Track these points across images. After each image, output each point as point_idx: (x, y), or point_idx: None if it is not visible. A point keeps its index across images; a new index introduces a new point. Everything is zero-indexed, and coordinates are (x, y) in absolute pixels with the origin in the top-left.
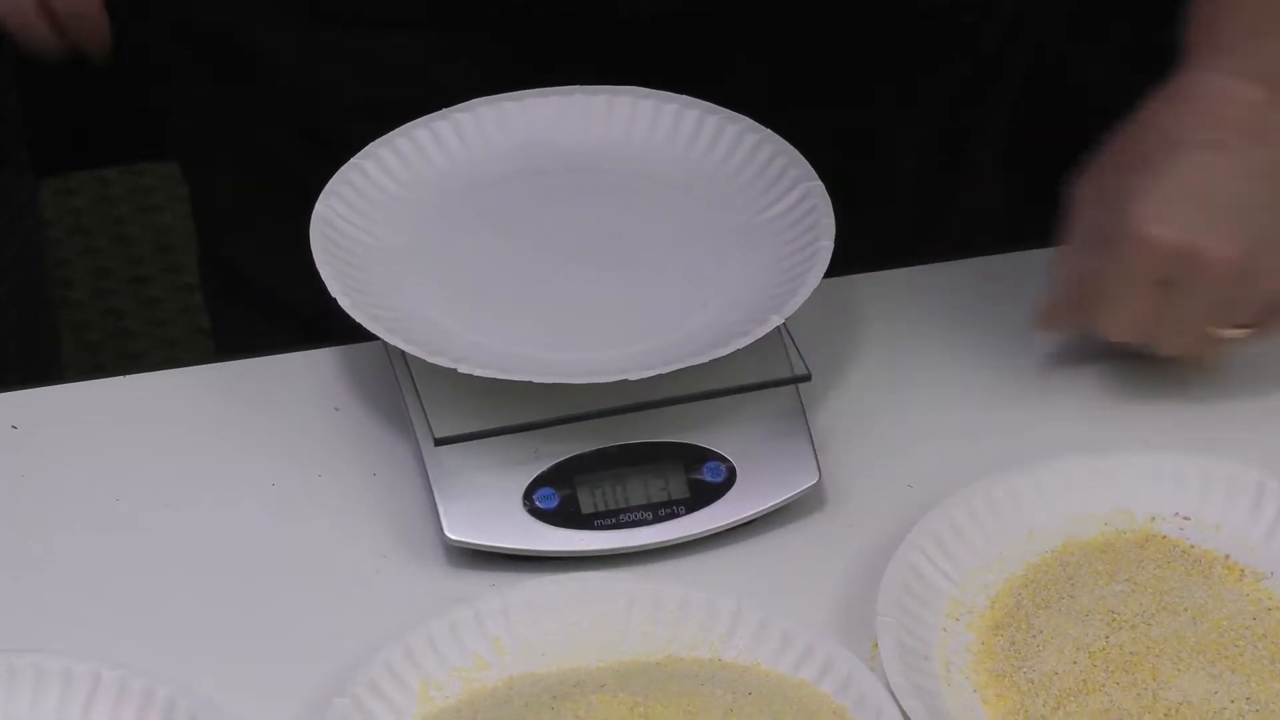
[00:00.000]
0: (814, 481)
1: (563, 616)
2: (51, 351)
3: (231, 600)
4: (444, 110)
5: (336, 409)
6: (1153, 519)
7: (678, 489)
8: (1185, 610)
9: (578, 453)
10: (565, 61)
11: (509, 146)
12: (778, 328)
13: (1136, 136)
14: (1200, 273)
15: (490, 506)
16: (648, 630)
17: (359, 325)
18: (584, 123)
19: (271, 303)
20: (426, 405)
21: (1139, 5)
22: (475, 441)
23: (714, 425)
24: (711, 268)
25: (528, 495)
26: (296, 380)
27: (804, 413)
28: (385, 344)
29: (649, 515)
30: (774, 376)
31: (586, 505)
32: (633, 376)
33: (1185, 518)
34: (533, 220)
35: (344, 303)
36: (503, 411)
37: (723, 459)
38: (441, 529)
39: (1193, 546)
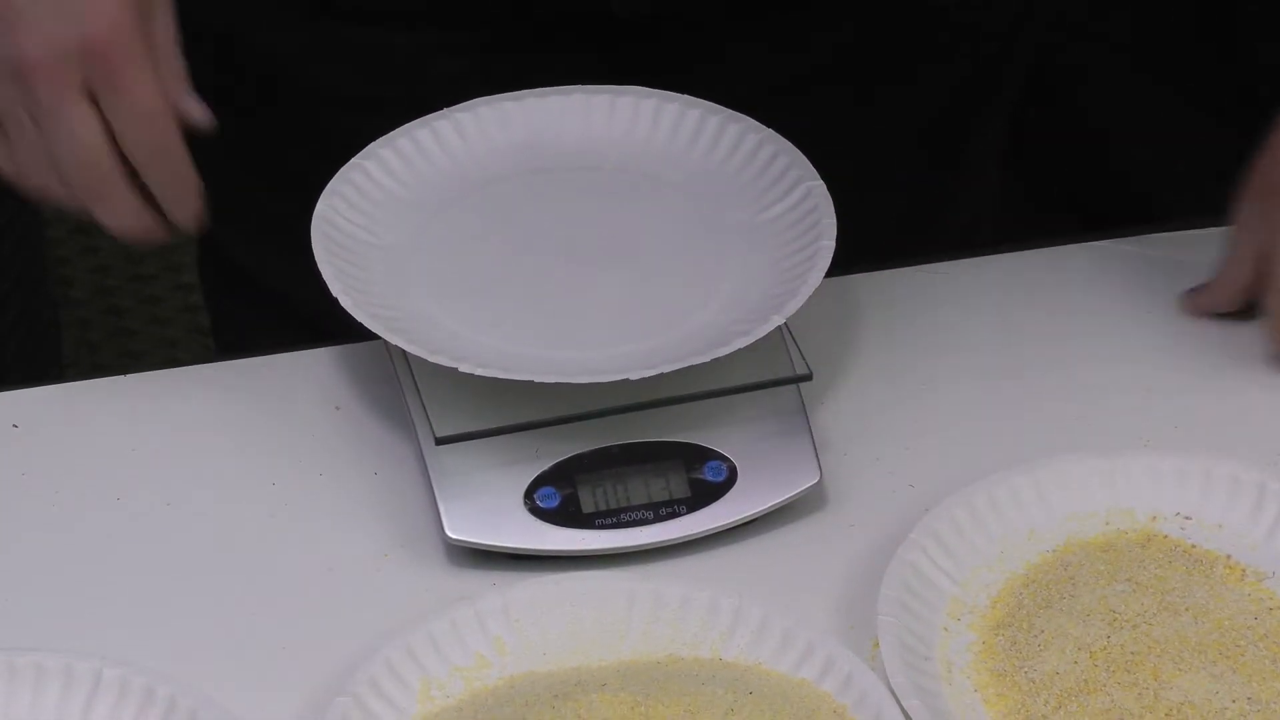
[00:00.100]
0: (815, 481)
1: (564, 616)
2: (52, 350)
3: (232, 599)
4: (445, 110)
5: (337, 408)
6: (1154, 519)
7: (679, 488)
8: (1186, 610)
9: (579, 452)
10: (565, 56)
11: (510, 146)
12: (779, 327)
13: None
14: None
15: (491, 506)
16: (649, 629)
17: (360, 324)
18: (585, 122)
19: (272, 302)
20: (427, 404)
21: (1139, 5)
22: (476, 441)
23: (715, 424)
24: (713, 267)
25: (529, 494)
26: (297, 379)
27: (805, 412)
28: (386, 343)
29: (650, 514)
30: (775, 376)
31: (587, 504)
32: (634, 376)
33: (1187, 517)
34: (534, 220)
35: (345, 302)
36: (504, 411)
37: (724, 458)
38: (442, 528)
39: (1194, 546)
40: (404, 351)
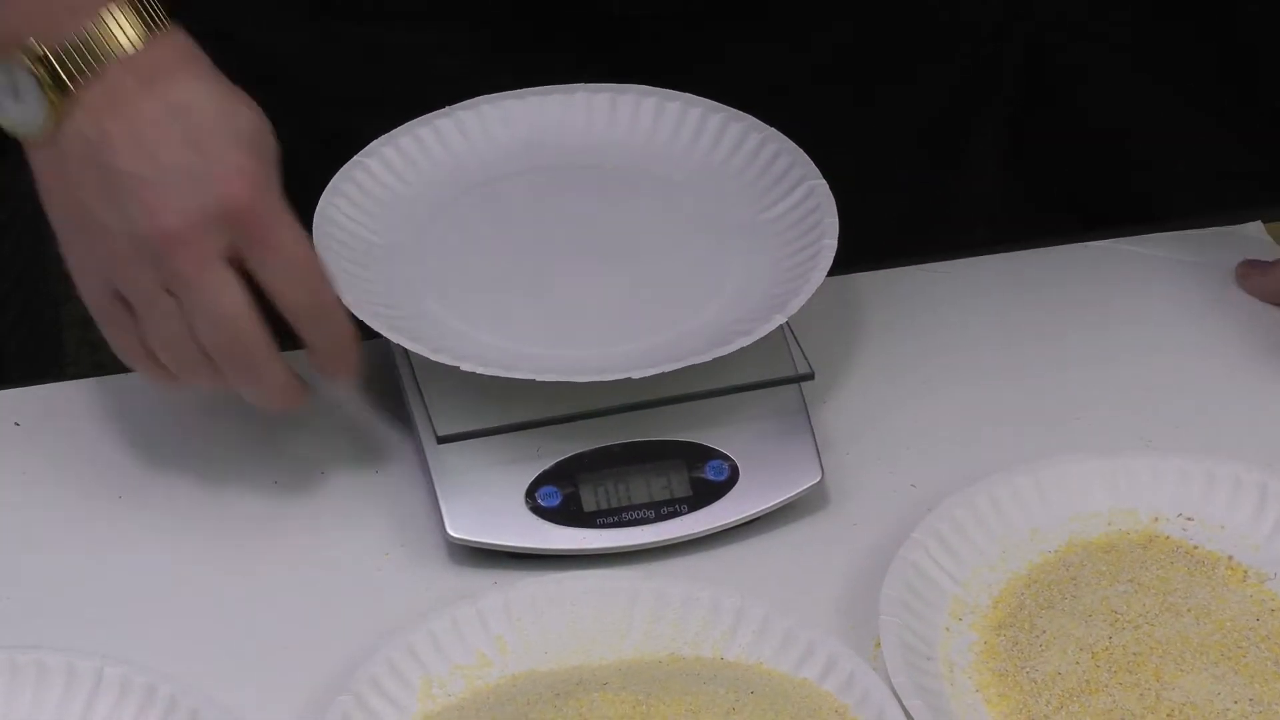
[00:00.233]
0: (817, 480)
1: (565, 614)
2: (54, 348)
3: (234, 597)
4: (447, 108)
5: (339, 406)
6: (1156, 519)
7: (680, 487)
8: (1188, 611)
9: (580, 451)
10: (565, 55)
11: (512, 144)
12: (781, 326)
13: None
14: None
15: (492, 504)
16: (650, 629)
17: (362, 323)
18: (587, 120)
19: None
20: (429, 403)
21: (1139, 5)
22: (478, 439)
23: (717, 424)
24: (715, 266)
25: (530, 493)
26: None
27: (807, 411)
28: (388, 341)
29: (651, 514)
30: (777, 375)
31: (589, 503)
32: (635, 375)
33: (1189, 518)
34: (536, 218)
35: (347, 300)
36: (505, 409)
37: (725, 457)
38: (444, 527)
39: (1196, 547)
40: (406, 350)
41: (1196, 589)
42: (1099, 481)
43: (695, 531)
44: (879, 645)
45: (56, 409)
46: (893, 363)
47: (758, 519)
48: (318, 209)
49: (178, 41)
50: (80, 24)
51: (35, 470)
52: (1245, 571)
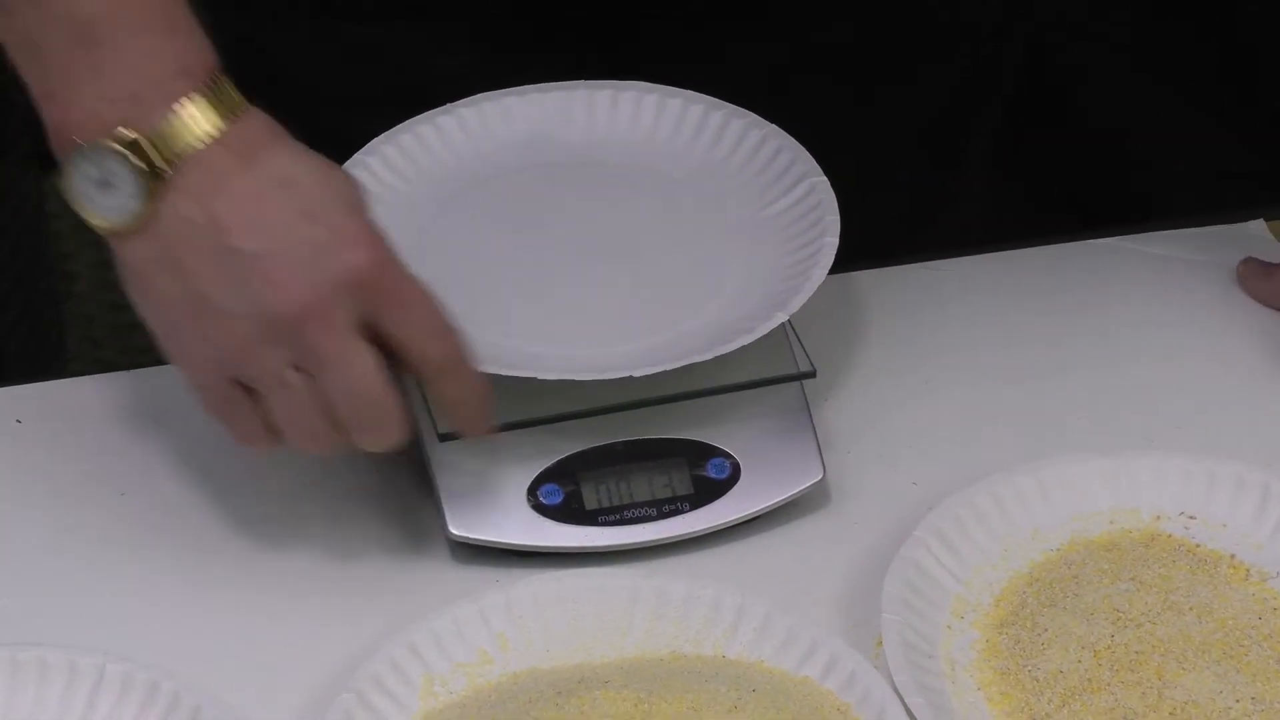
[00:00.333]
0: (818, 478)
1: (566, 612)
2: (56, 345)
3: (235, 594)
4: (448, 105)
5: None
6: (1158, 518)
7: (682, 485)
8: (1190, 609)
9: (582, 449)
10: (565, 54)
11: (513, 141)
12: (782, 324)
13: None
14: None
15: (494, 502)
16: (652, 627)
17: None
18: (588, 118)
19: None
20: (430, 401)
21: (1139, 5)
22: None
23: (718, 422)
24: (716, 263)
25: (532, 491)
26: None
27: (808, 409)
28: None
29: (653, 511)
30: (778, 373)
31: (590, 501)
32: (637, 373)
33: (1191, 517)
34: (537, 216)
35: None
36: (507, 407)
37: (727, 455)
38: (445, 525)
39: (1198, 546)
40: None
41: (1198, 588)
42: (1101, 480)
43: (697, 529)
44: (880, 643)
45: (58, 406)
46: (895, 361)
47: (759, 517)
48: None
49: (261, 117)
50: (168, 105)
51: (37, 467)
52: (1247, 570)
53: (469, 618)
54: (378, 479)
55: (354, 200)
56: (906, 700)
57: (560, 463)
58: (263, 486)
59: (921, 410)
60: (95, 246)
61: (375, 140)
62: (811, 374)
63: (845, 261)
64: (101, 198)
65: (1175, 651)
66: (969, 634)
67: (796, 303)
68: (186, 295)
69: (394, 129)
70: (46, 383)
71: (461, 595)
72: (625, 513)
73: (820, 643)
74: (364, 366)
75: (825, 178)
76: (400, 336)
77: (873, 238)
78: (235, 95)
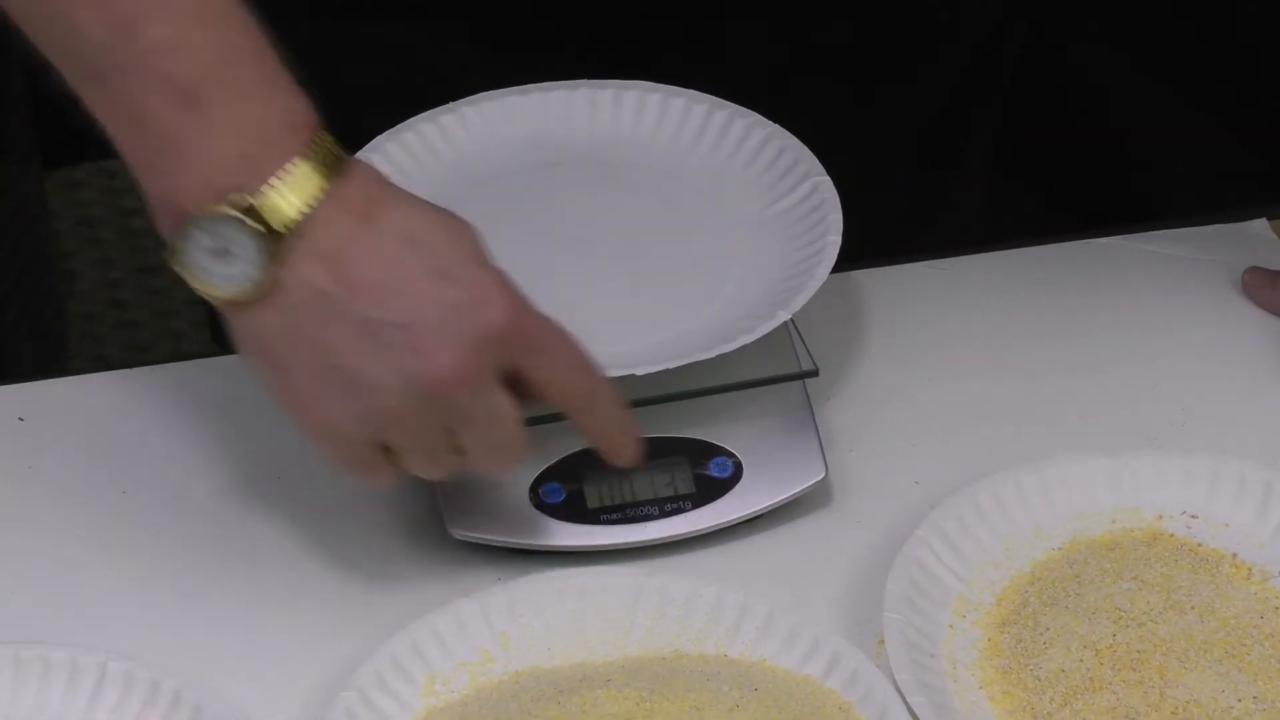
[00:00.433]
0: (821, 477)
1: (568, 611)
2: (58, 343)
3: (237, 593)
4: (450, 104)
5: None
6: (1160, 517)
7: (684, 484)
8: (1192, 609)
9: (584, 447)
10: (566, 53)
11: (515, 140)
12: (785, 323)
13: None
14: None
15: (496, 501)
16: (654, 625)
17: None
18: (590, 116)
19: None
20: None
21: (1139, 5)
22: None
23: (721, 420)
24: (718, 262)
25: (534, 490)
26: None
27: (811, 408)
28: None
29: (655, 510)
30: (781, 372)
31: (593, 500)
32: (640, 371)
33: (1193, 516)
34: (539, 215)
35: None
36: None
37: (729, 454)
38: (446, 525)
39: (1200, 545)
40: None
41: (1200, 587)
42: (1103, 479)
43: (699, 528)
44: (882, 642)
45: (60, 404)
46: (897, 360)
47: (761, 516)
48: None
49: (368, 168)
50: (280, 165)
51: (39, 465)
52: (1249, 569)
53: (471, 616)
54: None
55: (478, 250)
56: (908, 699)
57: (562, 461)
58: (264, 484)
59: (924, 409)
60: (96, 245)
61: (377, 139)
62: (814, 373)
63: (844, 261)
64: (219, 267)
65: (1177, 651)
66: (971, 633)
67: (799, 301)
68: (323, 367)
69: (396, 127)
70: (48, 381)
71: (463, 593)
72: (627, 511)
73: (822, 641)
74: (506, 415)
75: (828, 177)
76: (541, 379)
77: (873, 237)
78: (338, 149)
